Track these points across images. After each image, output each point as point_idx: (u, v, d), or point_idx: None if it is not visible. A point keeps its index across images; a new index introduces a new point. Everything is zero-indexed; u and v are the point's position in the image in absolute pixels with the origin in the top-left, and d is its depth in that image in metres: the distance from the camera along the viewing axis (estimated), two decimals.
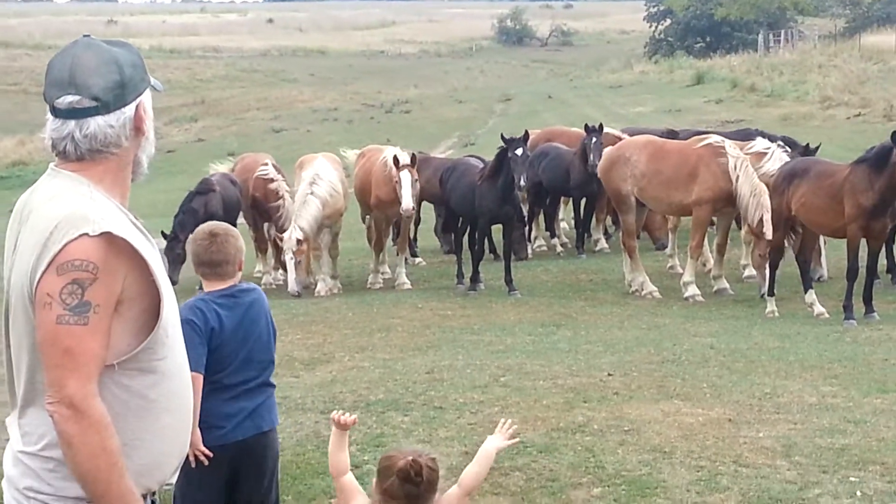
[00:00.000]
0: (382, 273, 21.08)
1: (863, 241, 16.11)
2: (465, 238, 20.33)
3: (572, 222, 24.23)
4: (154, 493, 3.90)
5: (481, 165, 19.45)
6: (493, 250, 22.37)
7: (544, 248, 24.04)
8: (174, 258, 20.00)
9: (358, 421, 5.29)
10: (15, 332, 3.72)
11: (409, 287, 20.09)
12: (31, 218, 3.66)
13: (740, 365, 12.76)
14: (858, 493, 8.30)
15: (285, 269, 20.35)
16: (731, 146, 17.81)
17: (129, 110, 3.80)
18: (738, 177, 17.29)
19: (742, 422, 10.29)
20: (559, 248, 23.80)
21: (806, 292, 16.75)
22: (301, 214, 19.11)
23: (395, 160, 19.03)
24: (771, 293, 16.88)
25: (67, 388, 3.47)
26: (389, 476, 4.76)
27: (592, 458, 9.25)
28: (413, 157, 19.17)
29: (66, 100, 3.73)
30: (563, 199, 24.25)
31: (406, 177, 18.78)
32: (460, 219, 20.35)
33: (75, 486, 3.58)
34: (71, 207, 3.59)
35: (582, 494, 8.50)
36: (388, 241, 21.87)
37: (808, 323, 15.94)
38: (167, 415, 3.77)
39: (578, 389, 11.54)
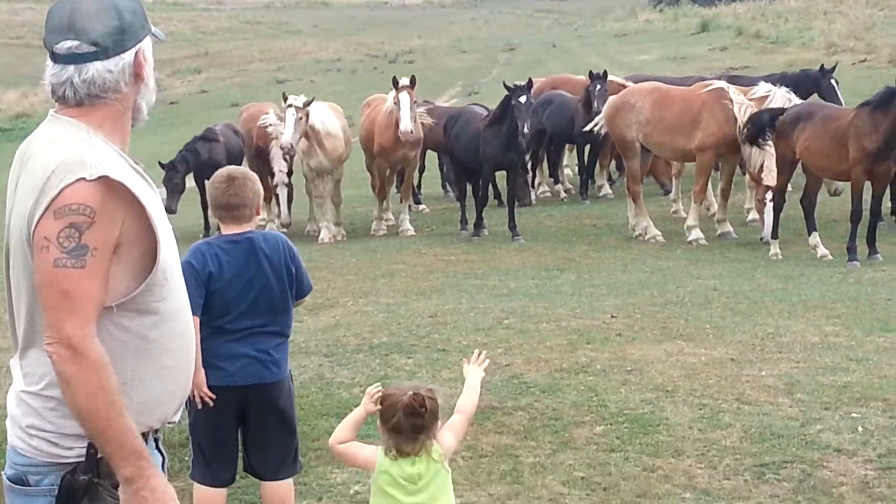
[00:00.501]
0: (386, 220, 21.06)
1: (867, 184, 16.09)
2: (470, 185, 20.29)
3: (576, 169, 24.17)
4: (157, 431, 3.93)
5: (485, 114, 19.41)
6: (496, 196, 22.35)
7: (548, 194, 24.02)
8: (172, 188, 20.09)
9: (378, 393, 5.34)
10: (14, 274, 3.74)
11: (413, 233, 20.10)
12: (30, 163, 3.67)
13: (743, 306, 12.78)
14: (860, 429, 8.33)
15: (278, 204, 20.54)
16: (735, 92, 17.75)
17: (128, 56, 3.78)
18: (741, 123, 17.25)
19: (744, 361, 10.31)
20: (563, 195, 23.77)
21: (810, 234, 16.75)
22: (284, 132, 18.87)
23: (395, 81, 18.97)
24: (774, 236, 16.87)
25: (65, 330, 3.49)
26: (394, 413, 4.96)
27: (595, 398, 9.29)
28: (413, 79, 19.04)
29: (66, 45, 3.72)
30: (566, 145, 24.18)
31: (405, 98, 18.67)
32: (466, 167, 20.31)
33: (76, 424, 3.61)
34: (68, 152, 3.59)
35: (585, 433, 8.53)
36: (392, 189, 21.84)
37: (811, 265, 15.95)
38: (167, 355, 3.79)
39: (582, 331, 11.57)
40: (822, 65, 21.97)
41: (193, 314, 5.30)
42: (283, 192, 19.92)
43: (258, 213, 6.55)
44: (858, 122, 15.64)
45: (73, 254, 3.48)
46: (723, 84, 18.45)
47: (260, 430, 6.49)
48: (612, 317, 12.26)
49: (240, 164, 20.56)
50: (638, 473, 7.69)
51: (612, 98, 19.64)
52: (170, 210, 20.26)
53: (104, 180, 3.53)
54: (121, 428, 3.54)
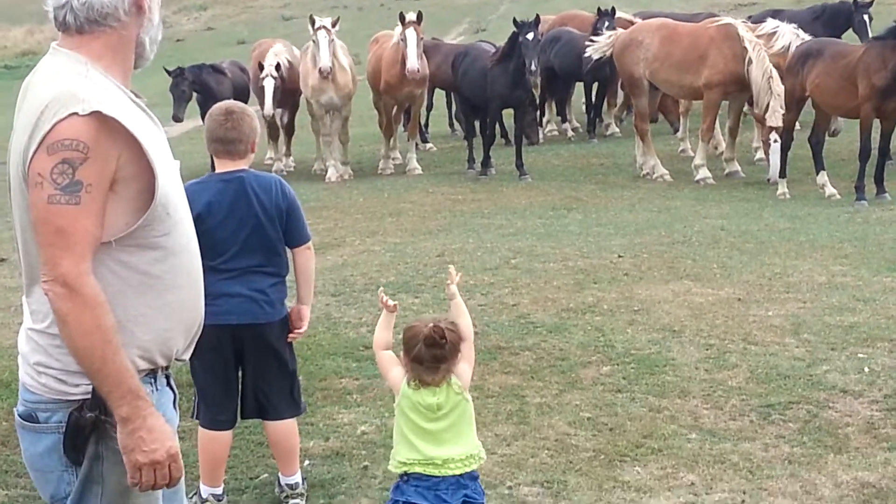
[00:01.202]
0: (393, 159, 21.03)
1: (876, 122, 16.01)
2: (477, 123, 20.23)
3: (583, 107, 24.07)
4: (167, 368, 3.92)
5: (493, 51, 19.31)
6: (504, 135, 22.29)
7: (556, 132, 23.96)
8: (179, 95, 20.10)
9: (397, 307, 5.54)
10: (15, 211, 3.72)
11: (420, 172, 20.06)
12: (27, 97, 3.65)
13: (751, 246, 12.76)
14: (866, 369, 8.34)
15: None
16: (744, 29, 17.61)
17: None
18: (750, 60, 17.14)
19: (751, 301, 10.31)
20: (570, 133, 23.71)
21: (818, 173, 16.69)
22: (320, 56, 18.79)
23: (401, 16, 18.88)
24: (782, 175, 16.81)
25: (60, 268, 3.47)
26: (416, 344, 5.13)
27: (602, 338, 9.30)
28: (419, 15, 18.93)
29: None
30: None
31: (411, 35, 18.56)
32: (473, 105, 20.24)
33: None
34: (62, 86, 3.55)
35: (591, 373, 8.55)
36: (399, 127, 21.77)
37: (819, 204, 15.90)
38: (171, 291, 3.76)
39: (589, 271, 11.57)
40: None
41: None
42: (270, 86, 19.62)
43: (253, 151, 6.46)
44: (867, 58, 15.53)
45: (66, 190, 3.45)
46: (731, 20, 18.31)
47: (258, 371, 6.47)
48: (619, 256, 12.25)
49: (246, 101, 20.55)
50: (644, 414, 7.71)
51: (620, 35, 19.53)
52: (177, 118, 20.25)
53: (97, 115, 3.48)
54: (117, 367, 3.52)
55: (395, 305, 5.51)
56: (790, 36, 17.75)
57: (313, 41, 18.96)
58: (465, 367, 5.27)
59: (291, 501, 6.59)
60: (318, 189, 18.49)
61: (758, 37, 17.61)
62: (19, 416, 3.79)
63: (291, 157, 21.66)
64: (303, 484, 6.67)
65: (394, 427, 5.35)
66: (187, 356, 3.98)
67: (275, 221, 6.31)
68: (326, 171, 19.99)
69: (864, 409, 7.67)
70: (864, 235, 13.31)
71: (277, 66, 19.55)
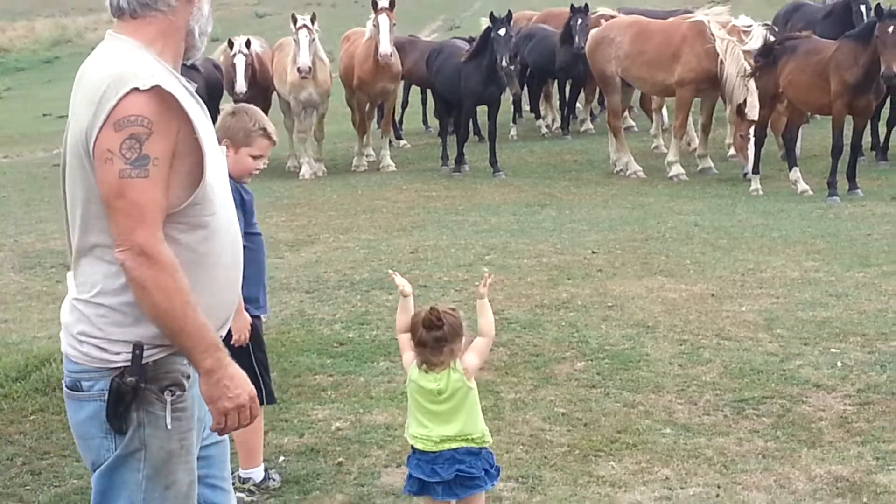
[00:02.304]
0: (367, 156, 21.01)
1: (848, 119, 16.08)
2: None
3: (557, 104, 24.10)
4: None
5: (467, 48, 19.33)
6: (477, 132, 22.31)
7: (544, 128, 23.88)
8: None
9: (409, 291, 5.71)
10: (70, 188, 3.85)
11: (394, 169, 20.05)
12: (83, 80, 3.79)
13: (724, 242, 12.80)
14: (839, 364, 8.37)
15: None
16: (715, 26, 17.64)
17: None
18: (723, 59, 17.20)
19: (725, 296, 10.35)
20: (544, 130, 23.74)
21: (790, 169, 16.75)
22: (300, 55, 18.74)
23: (374, 2, 18.85)
24: (756, 171, 16.88)
25: (137, 237, 3.61)
26: (417, 328, 5.41)
27: (576, 333, 9.31)
28: (392, 1, 18.89)
29: None
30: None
31: (384, 21, 18.57)
32: (448, 102, 20.26)
33: (123, 330, 3.76)
34: (121, 66, 3.70)
35: (566, 368, 8.56)
36: (373, 124, 21.76)
37: (792, 200, 15.96)
38: (217, 269, 3.92)
39: (562, 267, 11.58)
40: None
41: None
42: (241, 62, 19.74)
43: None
44: (840, 55, 15.60)
45: (136, 164, 3.60)
46: (703, 18, 18.34)
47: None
48: (593, 252, 12.27)
49: (220, 98, 20.53)
50: (618, 409, 7.72)
51: (592, 32, 19.58)
52: None
53: (157, 90, 3.64)
54: (197, 324, 3.71)
55: (408, 289, 5.69)
56: (762, 34, 17.79)
57: (294, 40, 18.92)
58: (472, 357, 5.50)
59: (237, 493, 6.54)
60: (291, 186, 18.46)
61: (729, 34, 17.65)
62: (66, 386, 3.93)
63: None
64: (260, 485, 6.62)
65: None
66: (223, 333, 4.07)
67: None
68: (300, 169, 19.96)
69: (837, 403, 7.70)
70: (836, 231, 13.37)
71: (248, 44, 19.50)
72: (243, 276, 6.30)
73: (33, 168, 22.71)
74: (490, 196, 17.02)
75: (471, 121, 20.94)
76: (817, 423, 7.37)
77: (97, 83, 3.67)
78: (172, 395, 3.82)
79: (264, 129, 6.34)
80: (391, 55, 18.67)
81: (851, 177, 16.11)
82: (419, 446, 5.49)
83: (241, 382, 3.82)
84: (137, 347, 3.75)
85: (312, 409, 7.91)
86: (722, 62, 17.21)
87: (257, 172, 6.45)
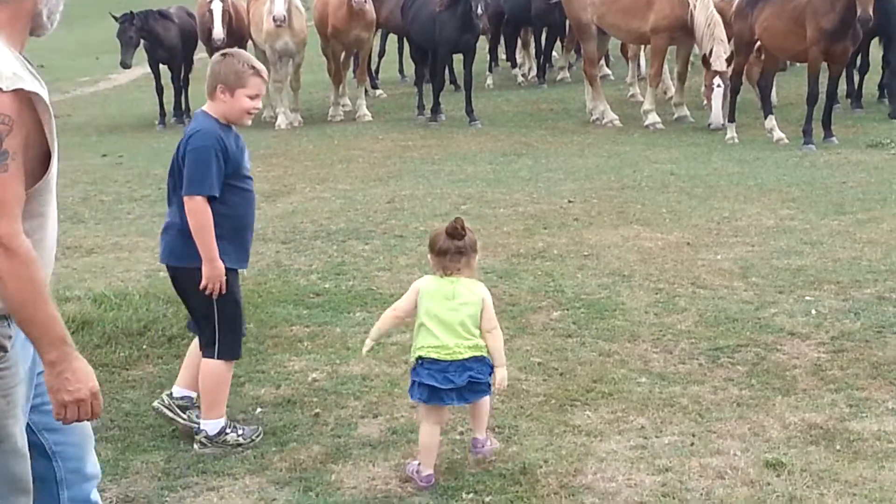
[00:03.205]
0: (343, 105, 20.92)
1: (823, 67, 16.08)
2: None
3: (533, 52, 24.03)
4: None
5: None
6: (453, 81, 22.24)
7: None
8: (126, 41, 19.82)
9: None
10: None
11: (370, 119, 19.99)
12: None
13: (700, 190, 12.82)
14: (813, 312, 8.42)
15: None
16: None
17: None
18: (693, 7, 17.18)
19: (700, 245, 10.38)
20: (520, 79, 23.68)
21: (766, 117, 16.77)
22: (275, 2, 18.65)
23: None
24: (731, 119, 16.90)
25: None
26: (440, 238, 6.02)
27: (552, 283, 9.33)
28: None
29: None
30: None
31: None
32: (423, 50, 20.18)
33: None
34: None
35: (542, 318, 8.57)
36: (349, 74, 21.66)
37: (767, 148, 15.99)
38: (45, 253, 3.99)
39: (539, 216, 11.59)
40: None
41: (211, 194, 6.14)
42: (217, 7, 19.55)
43: (222, 95, 6.31)
44: (816, 1, 15.56)
45: None
46: None
47: (187, 305, 6.71)
48: (569, 202, 12.28)
49: (194, 46, 20.44)
50: (594, 358, 7.74)
51: None
52: (125, 64, 20.02)
53: (19, 91, 3.70)
54: (46, 316, 3.81)
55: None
56: None
57: None
58: (490, 320, 6.05)
59: (195, 444, 6.60)
60: (267, 136, 18.39)
61: None
62: None
63: None
64: (211, 436, 6.59)
65: (414, 331, 6.15)
66: None
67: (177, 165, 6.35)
68: (276, 119, 19.89)
69: (812, 351, 7.74)
70: (811, 179, 13.41)
71: None
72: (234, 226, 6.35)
73: None
74: (466, 145, 17.00)
75: (446, 69, 20.86)
76: (791, 371, 7.41)
77: None
78: None
79: (254, 68, 6.32)
80: (365, 2, 18.58)
81: (827, 124, 16.14)
82: (433, 356, 5.97)
83: (82, 377, 3.91)
84: None
85: (289, 360, 7.91)
86: (692, 10, 17.19)
87: (255, 112, 6.43)
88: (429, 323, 6.02)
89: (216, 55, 6.57)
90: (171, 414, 6.73)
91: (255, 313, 8.65)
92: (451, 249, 6.00)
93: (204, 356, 6.57)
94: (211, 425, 6.59)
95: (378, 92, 23.13)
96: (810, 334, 8.01)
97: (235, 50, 6.68)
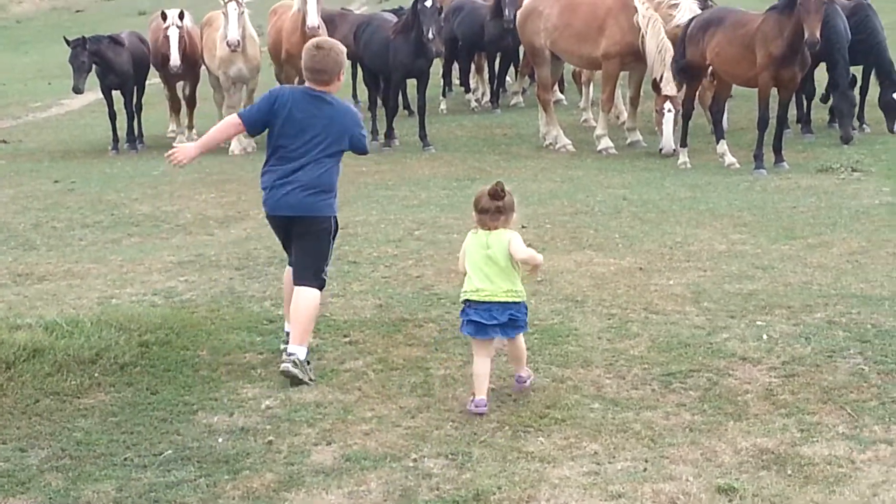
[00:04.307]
0: None
1: (774, 92, 16.22)
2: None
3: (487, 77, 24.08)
4: None
5: (395, 20, 19.30)
6: (406, 106, 22.27)
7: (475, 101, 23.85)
8: (79, 66, 19.57)
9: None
10: None
11: None
12: None
13: (652, 215, 12.89)
14: (765, 336, 8.47)
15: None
16: (640, 1, 17.68)
17: None
18: (644, 33, 17.31)
19: (653, 270, 10.43)
20: (473, 104, 23.73)
21: (717, 142, 16.89)
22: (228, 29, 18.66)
23: None
24: (684, 144, 17.00)
25: None
26: (482, 199, 7.40)
27: None
28: None
29: None
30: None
31: None
32: (375, 75, 20.22)
33: None
34: None
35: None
36: None
37: (719, 173, 16.09)
38: None
39: None
40: None
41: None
42: (174, 34, 19.58)
43: (340, 80, 8.07)
44: (765, 27, 15.69)
45: None
46: None
47: (298, 250, 8.20)
48: (523, 227, 12.26)
49: (147, 72, 20.39)
50: (547, 384, 7.77)
51: (523, 4, 19.57)
52: (77, 89, 19.87)
53: None
54: None
55: None
56: (691, 8, 17.85)
57: (223, 14, 18.78)
58: (519, 248, 7.42)
59: (282, 365, 7.80)
60: (221, 162, 18.32)
61: (656, 8, 17.70)
62: None
63: (194, 130, 21.38)
64: (300, 360, 7.81)
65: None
66: None
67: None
68: (230, 144, 19.83)
69: (763, 375, 7.79)
70: (762, 204, 13.51)
71: (181, 15, 19.30)
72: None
73: None
74: (420, 170, 17.02)
75: (400, 94, 20.90)
76: (743, 396, 7.46)
77: None
78: None
79: None
80: (318, 27, 18.57)
81: (777, 149, 16.27)
82: (480, 298, 7.35)
83: None
84: None
85: (242, 387, 7.90)
86: (643, 37, 17.33)
87: None
88: (470, 271, 7.44)
89: (328, 46, 8.06)
90: (303, 375, 7.80)
91: (208, 340, 8.63)
92: (492, 209, 7.36)
93: (308, 286, 7.95)
94: (301, 351, 7.87)
95: None
96: (762, 359, 8.07)
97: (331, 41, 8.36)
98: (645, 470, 6.41)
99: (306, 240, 8.08)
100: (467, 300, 7.41)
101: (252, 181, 16.20)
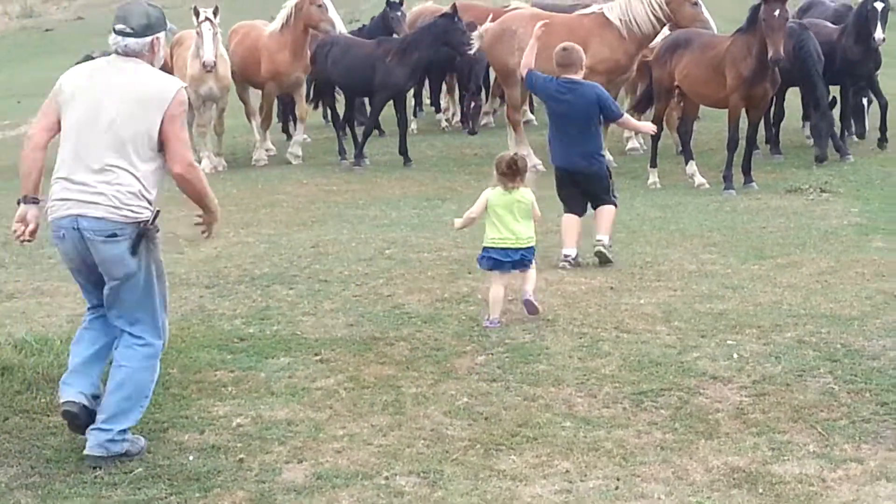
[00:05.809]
0: (268, 150, 20.86)
1: (743, 113, 16.29)
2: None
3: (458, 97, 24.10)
4: None
5: (359, 40, 19.60)
6: (377, 126, 22.28)
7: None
8: None
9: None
10: None
11: (301, 158, 19.92)
12: None
13: (622, 235, 12.92)
14: (735, 356, 8.51)
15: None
16: (615, 18, 17.69)
17: None
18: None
19: (623, 289, 10.46)
20: (444, 124, 23.74)
21: (687, 163, 16.95)
22: (204, 50, 18.58)
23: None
24: (653, 164, 17.05)
25: None
26: (502, 164, 9.65)
27: (476, 327, 9.37)
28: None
29: None
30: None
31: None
32: (335, 95, 20.44)
33: None
34: None
35: (466, 362, 8.60)
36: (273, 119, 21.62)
37: (689, 193, 16.16)
38: None
39: (463, 261, 11.61)
40: None
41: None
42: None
43: (582, 69, 11.57)
44: (734, 48, 15.78)
45: None
46: (602, 8, 18.34)
47: (588, 190, 11.97)
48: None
49: None
50: (519, 403, 7.78)
51: (491, 25, 19.48)
52: None
53: None
54: None
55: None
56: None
57: (197, 32, 18.73)
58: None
59: (596, 247, 11.40)
60: None
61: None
62: None
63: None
64: (607, 245, 11.33)
65: (486, 225, 9.71)
66: None
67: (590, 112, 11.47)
68: (200, 163, 19.77)
69: (734, 394, 7.82)
70: (732, 224, 13.57)
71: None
72: None
73: None
74: (390, 190, 17.03)
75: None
76: (714, 415, 7.49)
77: None
78: None
79: None
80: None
81: (747, 170, 16.34)
82: (501, 245, 9.53)
83: None
84: None
85: (213, 405, 7.87)
86: None
87: None
88: (495, 220, 9.57)
89: (570, 47, 11.73)
90: (610, 255, 11.39)
91: (178, 358, 8.60)
92: (508, 172, 9.57)
93: (606, 205, 11.66)
94: (608, 240, 11.48)
95: (303, 136, 23.09)
96: (732, 378, 8.10)
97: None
98: (617, 488, 6.42)
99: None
100: (487, 247, 9.60)
101: (222, 200, 16.13)
